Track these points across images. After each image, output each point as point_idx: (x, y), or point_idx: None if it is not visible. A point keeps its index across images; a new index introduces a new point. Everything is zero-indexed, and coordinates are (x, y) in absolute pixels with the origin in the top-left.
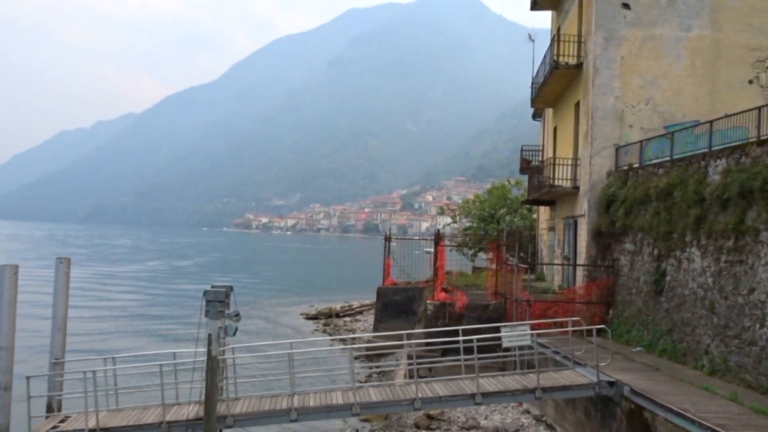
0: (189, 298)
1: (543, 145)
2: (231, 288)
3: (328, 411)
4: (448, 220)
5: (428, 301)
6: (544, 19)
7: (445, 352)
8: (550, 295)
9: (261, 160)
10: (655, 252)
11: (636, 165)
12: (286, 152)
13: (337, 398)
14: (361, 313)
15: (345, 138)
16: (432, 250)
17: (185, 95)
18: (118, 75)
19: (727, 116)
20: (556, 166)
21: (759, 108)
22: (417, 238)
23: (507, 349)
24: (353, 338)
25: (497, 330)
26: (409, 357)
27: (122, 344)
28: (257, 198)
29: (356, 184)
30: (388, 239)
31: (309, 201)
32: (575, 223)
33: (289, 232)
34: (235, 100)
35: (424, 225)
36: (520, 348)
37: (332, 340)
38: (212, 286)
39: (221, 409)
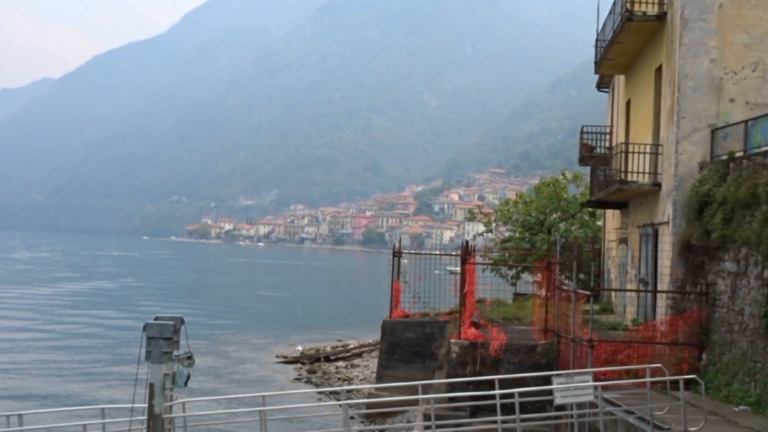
0: (120, 333)
1: (611, 126)
2: (182, 320)
3: None
4: (481, 228)
5: (453, 340)
6: None
7: (475, 411)
8: (620, 332)
9: (223, 145)
10: (766, 274)
11: (739, 153)
12: (258, 134)
13: None
14: (359, 356)
15: (338, 114)
16: (458, 269)
17: (119, 55)
18: (29, 25)
19: None
20: (630, 155)
21: None
22: (437, 252)
23: (561, 408)
24: (349, 391)
25: (547, 381)
26: (426, 417)
27: (29, 397)
28: (218, 196)
29: (354, 178)
30: (397, 254)
31: (289, 201)
32: (655, 234)
33: (261, 243)
34: (187, 62)
35: (448, 235)
36: (579, 406)
37: (320, 392)
38: (156, 318)
39: None
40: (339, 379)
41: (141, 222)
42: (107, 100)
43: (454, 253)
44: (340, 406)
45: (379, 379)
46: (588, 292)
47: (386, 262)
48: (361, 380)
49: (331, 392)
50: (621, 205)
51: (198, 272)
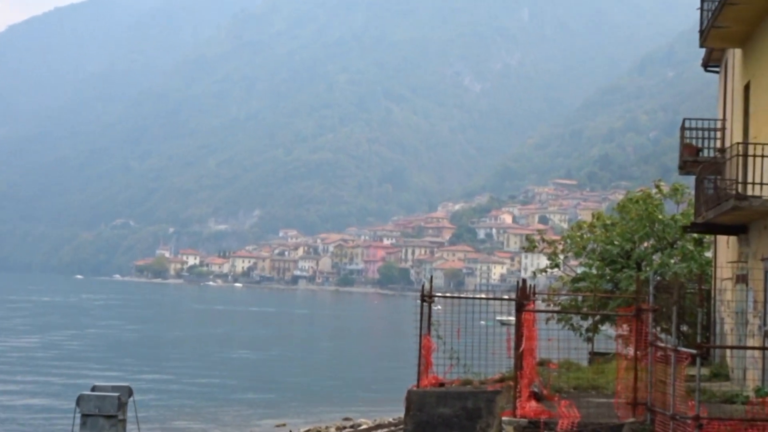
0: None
1: (724, 120)
2: (129, 391)
3: None
4: (543, 261)
5: (505, 418)
6: None
7: None
8: (739, 406)
9: (185, 148)
10: None
11: None
12: (234, 133)
13: None
14: None
15: (345, 105)
16: (512, 319)
17: (42, 25)
18: None
19: None
20: (751, 160)
21: None
22: (483, 296)
23: None
24: None
25: None
26: None
27: None
28: (178, 219)
29: (367, 194)
30: (427, 298)
31: (277, 225)
32: None
33: (238, 284)
34: (136, 34)
35: (497, 271)
36: None
37: None
38: (93, 388)
39: None
40: None
41: (73, 255)
42: (24, 88)
43: (506, 297)
44: None
45: None
46: (693, 351)
47: (412, 310)
48: None
49: None
50: (739, 230)
51: (151, 324)
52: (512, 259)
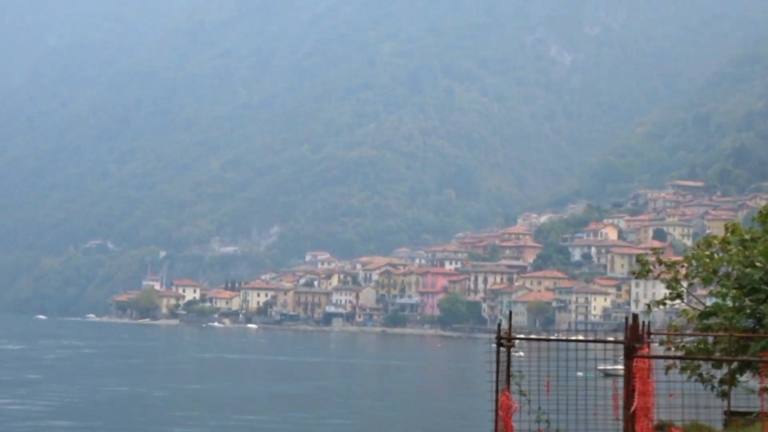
0: None
1: None
2: None
3: None
4: (660, 290)
5: None
6: None
7: None
8: None
9: (180, 144)
10: None
11: None
12: (243, 123)
13: None
14: None
15: (390, 85)
16: (619, 368)
17: None
18: None
19: None
20: None
21: None
22: (579, 338)
23: None
24: None
25: None
26: None
27: None
28: (171, 240)
29: (422, 202)
30: (504, 341)
31: (302, 246)
32: None
33: (252, 325)
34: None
35: (598, 304)
36: None
37: None
38: None
39: None
40: None
41: (32, 288)
42: None
43: (611, 339)
44: None
45: None
46: None
47: (484, 357)
48: None
49: None
50: None
51: (136, 379)
52: (618, 288)
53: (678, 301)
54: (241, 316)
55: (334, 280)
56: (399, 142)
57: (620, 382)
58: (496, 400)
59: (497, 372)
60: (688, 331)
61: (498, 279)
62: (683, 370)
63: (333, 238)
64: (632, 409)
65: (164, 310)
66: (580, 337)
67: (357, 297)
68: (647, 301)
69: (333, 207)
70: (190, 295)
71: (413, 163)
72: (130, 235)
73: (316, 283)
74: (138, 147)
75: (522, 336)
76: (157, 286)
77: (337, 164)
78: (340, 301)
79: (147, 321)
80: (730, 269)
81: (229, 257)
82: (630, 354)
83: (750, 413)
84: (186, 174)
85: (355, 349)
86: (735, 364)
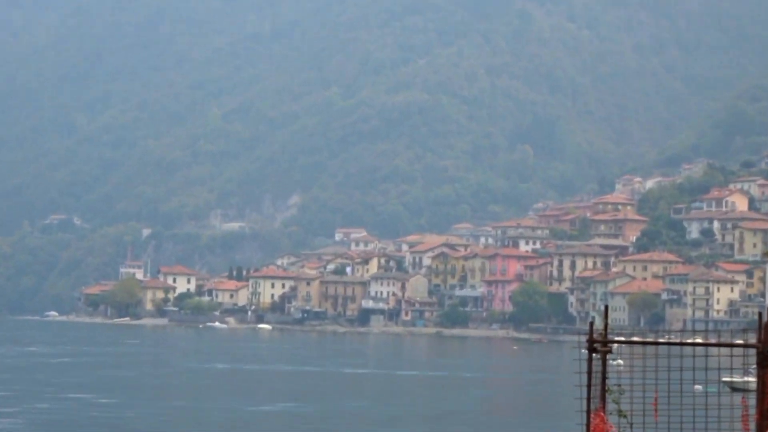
0: None
1: None
2: None
3: None
4: None
5: None
6: None
7: None
8: None
9: (165, 86)
10: None
11: None
12: (248, 58)
13: None
14: None
15: (445, 6)
16: (751, 380)
17: None
18: None
19: None
20: None
21: None
22: (697, 341)
23: None
24: None
25: None
26: None
27: None
28: (158, 214)
29: (489, 164)
30: (598, 346)
31: (330, 221)
32: None
33: (265, 325)
34: None
35: (723, 295)
36: None
37: None
38: None
39: None
40: None
41: None
42: None
43: (739, 343)
44: None
45: None
46: None
47: (572, 367)
48: None
49: None
50: None
51: (116, 397)
52: (749, 274)
53: None
54: (249, 313)
55: (373, 266)
56: (458, 84)
57: (752, 399)
58: (588, 424)
59: (589, 386)
60: None
61: (590, 263)
62: None
63: (371, 210)
64: None
65: (149, 307)
66: (699, 340)
67: (403, 288)
68: None
69: (371, 170)
70: (182, 286)
71: (477, 111)
72: (104, 208)
73: (348, 269)
74: (114, 91)
75: (622, 339)
76: (140, 275)
77: (376, 113)
78: (381, 293)
79: (126, 320)
80: None
81: (234, 237)
82: (765, 362)
83: None
84: (177, 127)
85: (401, 357)
86: None
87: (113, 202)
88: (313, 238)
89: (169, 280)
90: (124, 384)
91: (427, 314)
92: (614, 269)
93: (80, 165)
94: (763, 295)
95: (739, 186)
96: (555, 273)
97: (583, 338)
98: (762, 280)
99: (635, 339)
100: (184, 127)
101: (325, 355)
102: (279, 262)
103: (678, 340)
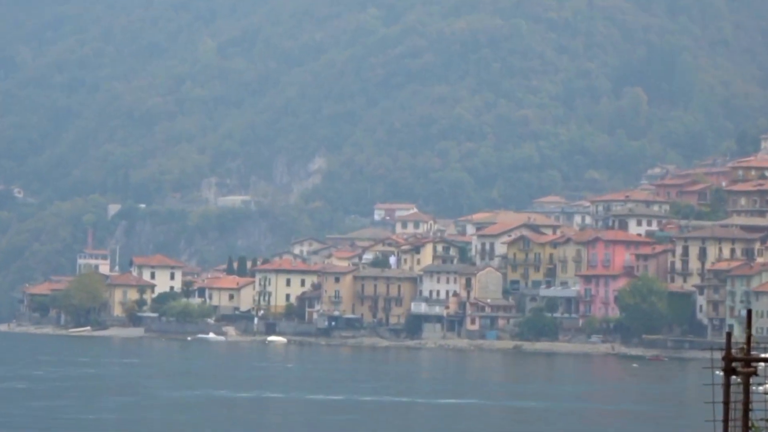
0: None
1: None
2: None
3: None
4: None
5: None
6: None
7: None
8: None
9: (137, 10)
10: None
11: None
12: None
13: None
14: None
15: None
16: None
17: None
18: None
19: None
20: None
21: None
22: None
23: None
24: None
25: None
26: None
27: None
28: (129, 185)
29: (583, 113)
30: (737, 365)
31: (367, 195)
32: None
33: (278, 338)
34: None
35: None
36: None
37: None
38: None
39: None
40: None
41: None
42: None
43: None
44: None
45: None
46: None
47: (701, 392)
48: None
49: None
50: None
51: None
52: None
53: None
54: (257, 321)
55: (427, 256)
56: (543, 4)
57: None
58: None
59: (726, 420)
60: None
61: (726, 252)
62: None
63: (423, 179)
64: None
65: (118, 312)
66: None
67: (468, 286)
68: None
69: (423, 122)
70: (164, 284)
71: (570, 41)
72: (55, 176)
73: (392, 260)
74: (68, 16)
75: None
76: (105, 269)
77: (429, 45)
78: (438, 293)
79: (87, 331)
80: None
81: (234, 216)
82: None
83: None
84: (156, 64)
85: (468, 380)
86: None
87: (68, 167)
88: (344, 218)
89: (146, 276)
90: (82, 426)
91: (501, 322)
92: (760, 260)
93: (23, 116)
94: None
95: None
96: (678, 265)
97: (718, 355)
98: None
99: None
100: (165, 64)
101: (362, 377)
102: (297, 251)
103: None
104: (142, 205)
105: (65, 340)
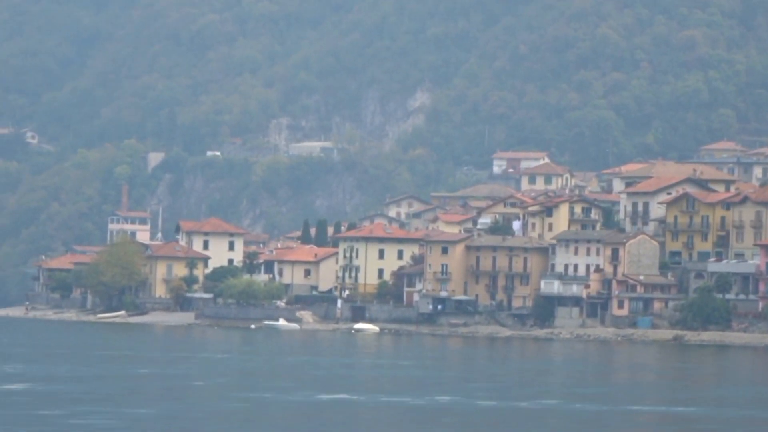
0: None
1: None
2: None
3: None
4: None
5: None
6: None
7: None
8: None
9: None
10: None
11: None
12: None
13: None
14: None
15: None
16: None
17: None
18: None
19: None
20: None
21: None
22: None
23: None
24: None
25: None
26: None
27: None
28: (175, 128)
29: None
30: None
31: (483, 142)
32: None
33: (371, 326)
34: None
35: None
36: None
37: None
38: None
39: None
40: None
41: None
42: None
43: None
44: None
45: None
46: None
47: None
48: None
49: None
50: None
51: None
52: None
53: None
54: (340, 304)
55: (561, 220)
56: None
57: None
58: None
59: None
60: None
61: None
62: None
63: (556, 119)
64: None
65: (160, 291)
66: None
67: (614, 258)
68: None
69: (555, 45)
70: (220, 255)
71: None
72: (80, 119)
73: (517, 225)
74: None
75: None
76: (144, 236)
77: None
78: (574, 267)
79: (120, 316)
80: None
81: (311, 167)
82: None
83: None
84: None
85: (626, 381)
86: None
87: (96, 105)
88: (454, 170)
89: (197, 246)
90: None
91: (657, 305)
92: None
93: (37, 39)
94: None
95: None
96: None
97: None
98: None
99: None
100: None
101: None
102: (392, 213)
103: None
104: (192, 155)
105: (95, 328)
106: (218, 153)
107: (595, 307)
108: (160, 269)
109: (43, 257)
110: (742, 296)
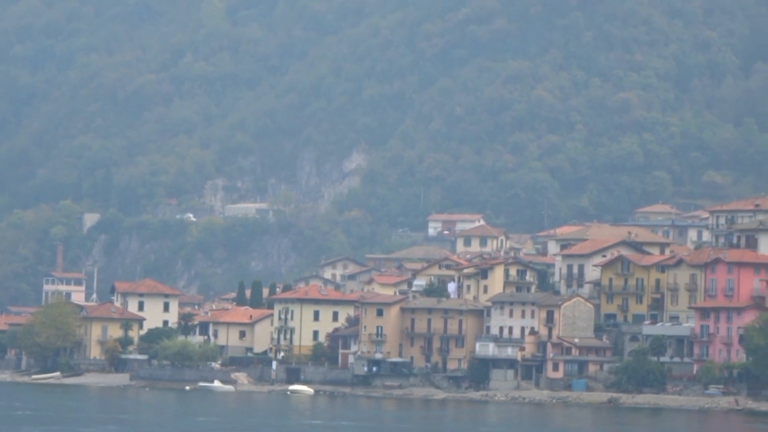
0: None
1: None
2: None
3: None
4: None
5: None
6: None
7: None
8: None
9: None
10: None
11: None
12: None
13: None
14: None
15: None
16: None
17: None
18: None
19: None
20: None
21: None
22: None
23: None
24: None
25: None
26: None
27: None
28: (113, 187)
29: (699, 94)
30: None
31: (419, 204)
32: None
33: (305, 387)
34: None
35: None
36: None
37: None
38: None
39: None
40: None
41: None
42: None
43: None
44: None
45: None
46: None
47: None
48: None
49: None
50: None
51: None
52: None
53: None
54: (275, 366)
55: (496, 282)
56: None
57: None
58: None
59: None
60: None
61: None
62: None
63: (491, 181)
64: None
65: (95, 353)
66: None
67: (549, 320)
68: None
69: (491, 107)
70: (155, 317)
71: (682, 1)
72: (15, 178)
73: (452, 288)
74: None
75: None
76: (79, 297)
77: (501, 6)
78: (509, 330)
79: (55, 377)
80: None
81: (247, 228)
82: None
83: None
84: (144, 28)
85: None
86: None
87: (31, 165)
88: (389, 232)
89: (132, 306)
90: None
91: (592, 368)
92: None
93: None
94: None
95: None
96: None
97: None
98: None
99: None
100: (159, 31)
101: None
102: (328, 274)
103: None
104: (128, 216)
105: (28, 389)
106: (152, 216)
107: (530, 370)
108: (95, 330)
109: None
110: (676, 359)
